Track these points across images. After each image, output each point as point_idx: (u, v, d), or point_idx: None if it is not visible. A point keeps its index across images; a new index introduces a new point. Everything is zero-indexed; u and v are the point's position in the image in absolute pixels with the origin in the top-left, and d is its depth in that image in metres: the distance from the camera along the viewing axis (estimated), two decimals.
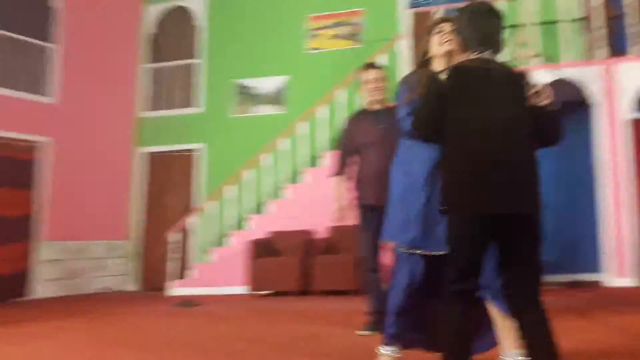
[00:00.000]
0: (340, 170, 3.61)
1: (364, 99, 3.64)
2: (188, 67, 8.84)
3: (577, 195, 6.96)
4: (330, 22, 8.24)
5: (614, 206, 5.86)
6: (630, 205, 5.82)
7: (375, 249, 3.44)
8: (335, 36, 8.18)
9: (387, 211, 2.41)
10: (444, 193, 1.91)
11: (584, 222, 6.77)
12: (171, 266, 7.27)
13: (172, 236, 7.34)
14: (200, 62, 8.74)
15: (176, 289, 7.11)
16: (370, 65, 3.72)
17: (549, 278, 6.63)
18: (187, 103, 8.74)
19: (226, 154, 8.21)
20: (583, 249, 6.79)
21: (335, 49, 8.13)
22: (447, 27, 2.38)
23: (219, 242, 7.58)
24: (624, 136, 5.94)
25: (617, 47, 7.08)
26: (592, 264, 6.44)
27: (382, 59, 6.88)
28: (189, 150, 8.58)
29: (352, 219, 3.55)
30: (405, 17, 6.70)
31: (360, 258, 3.55)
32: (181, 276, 7.41)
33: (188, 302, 5.64)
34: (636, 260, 5.70)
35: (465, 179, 1.85)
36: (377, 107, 3.55)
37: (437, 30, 2.40)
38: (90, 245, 7.95)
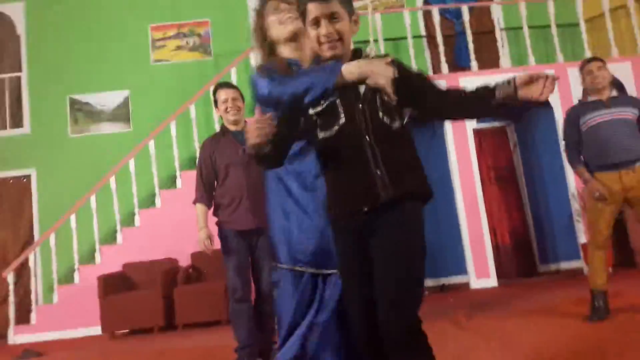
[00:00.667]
0: (204, 196, 3.40)
1: (222, 119, 3.51)
2: (9, 82, 7.76)
3: (438, 200, 7.38)
4: (173, 32, 7.83)
5: (467, 210, 6.31)
6: (481, 209, 6.32)
7: (244, 277, 3.28)
8: (181, 47, 7.80)
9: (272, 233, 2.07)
10: None
11: (448, 226, 7.07)
12: (11, 310, 6.27)
13: (9, 275, 6.32)
14: (22, 75, 7.72)
15: (17, 336, 6.16)
16: (224, 85, 3.57)
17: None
18: (11, 123, 7.66)
19: (64, 179, 7.34)
20: (449, 253, 7.12)
21: (181, 60, 7.75)
22: (284, 4, 1.95)
23: (68, 279, 6.73)
24: (469, 145, 6.46)
25: (460, 63, 7.83)
26: (459, 267, 6.79)
27: (232, 72, 6.73)
28: (18, 177, 7.52)
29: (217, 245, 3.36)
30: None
31: (228, 287, 3.34)
32: (22, 321, 6.44)
33: (28, 352, 4.90)
34: (495, 261, 6.24)
35: None
36: (236, 127, 3.46)
37: (272, 8, 1.97)
38: None
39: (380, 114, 1.64)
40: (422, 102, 1.71)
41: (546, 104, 6.66)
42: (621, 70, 6.68)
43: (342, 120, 1.64)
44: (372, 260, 1.59)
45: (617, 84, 3.95)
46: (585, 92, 3.78)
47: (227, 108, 3.43)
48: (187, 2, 7.87)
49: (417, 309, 1.55)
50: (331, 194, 1.70)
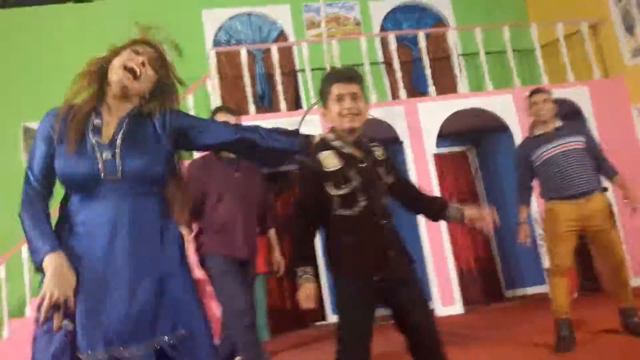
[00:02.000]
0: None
1: None
2: None
3: (400, 227, 7.28)
4: None
5: (430, 236, 6.21)
6: (444, 235, 6.24)
7: (250, 298, 3.20)
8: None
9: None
10: None
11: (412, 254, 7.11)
12: None
13: None
14: None
15: None
16: (223, 109, 3.50)
17: (383, 311, 6.89)
18: None
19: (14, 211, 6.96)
20: None
21: None
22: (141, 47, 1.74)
23: (19, 312, 6.31)
24: (429, 170, 6.41)
25: (416, 88, 7.86)
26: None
27: (189, 98, 6.59)
28: None
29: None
30: (210, 57, 6.51)
31: (229, 314, 3.16)
32: None
33: None
34: (460, 287, 6.11)
35: None
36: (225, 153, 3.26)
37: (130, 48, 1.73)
38: None
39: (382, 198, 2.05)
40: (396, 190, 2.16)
41: (505, 129, 6.71)
42: (579, 94, 6.82)
43: (363, 203, 1.98)
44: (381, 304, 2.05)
45: (566, 112, 4.03)
46: (532, 124, 3.79)
47: None
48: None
49: None
50: (344, 258, 2.02)
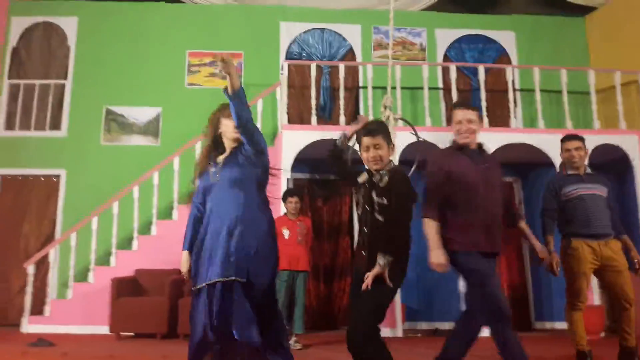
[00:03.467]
0: (435, 212, 3.14)
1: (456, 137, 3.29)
2: (54, 87, 8.38)
3: None
4: (209, 60, 8.40)
5: None
6: None
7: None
8: (213, 74, 8.35)
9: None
10: None
11: (444, 273, 7.40)
12: (27, 300, 6.71)
13: (30, 268, 6.79)
14: (67, 83, 8.35)
15: (31, 326, 6.58)
16: (460, 105, 3.49)
17: (414, 325, 7.31)
18: (50, 125, 8.25)
19: (90, 183, 7.84)
20: (444, 297, 7.41)
21: (213, 87, 8.28)
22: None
23: (82, 277, 7.17)
24: None
25: None
26: (454, 313, 6.87)
27: (259, 103, 7.22)
28: (49, 175, 8.07)
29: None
30: (283, 67, 7.11)
31: (495, 312, 3.02)
32: (37, 312, 6.88)
33: (42, 341, 5.30)
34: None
35: None
36: (473, 146, 3.24)
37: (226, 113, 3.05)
38: None
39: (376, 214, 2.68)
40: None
41: (552, 165, 6.98)
42: (628, 142, 7.01)
43: (360, 210, 2.78)
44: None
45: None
46: (564, 164, 4.15)
47: (464, 129, 3.21)
48: (224, 34, 8.47)
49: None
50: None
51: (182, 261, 3.12)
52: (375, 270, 2.51)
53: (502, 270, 7.84)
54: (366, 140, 2.69)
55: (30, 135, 8.17)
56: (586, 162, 4.14)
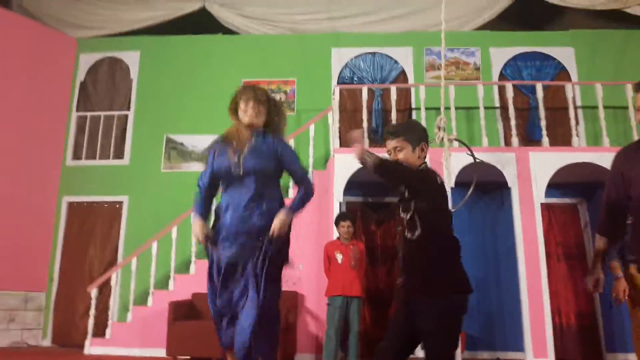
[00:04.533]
0: (611, 228, 2.68)
1: None
2: (117, 118, 8.80)
3: (500, 271, 7.34)
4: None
5: (529, 285, 6.17)
6: (544, 285, 6.15)
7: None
8: None
9: None
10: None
11: (509, 300, 7.06)
12: (90, 323, 6.96)
13: (93, 291, 7.05)
14: (129, 114, 8.75)
15: (93, 348, 6.80)
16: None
17: (474, 354, 7.05)
18: (114, 154, 8.65)
19: (151, 209, 8.12)
20: (508, 327, 7.11)
21: None
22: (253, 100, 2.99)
23: (142, 301, 7.37)
24: (536, 219, 6.39)
25: (530, 136, 7.96)
26: (517, 343, 6.73)
27: (311, 128, 7.28)
28: (113, 202, 8.42)
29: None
30: (335, 92, 7.15)
31: None
32: (99, 334, 7.12)
33: None
34: (557, 342, 5.96)
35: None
36: None
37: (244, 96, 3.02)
38: (2, 295, 7.51)
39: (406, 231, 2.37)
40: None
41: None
42: None
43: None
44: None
45: None
46: None
47: None
48: (277, 62, 8.66)
49: None
50: None
51: (196, 227, 2.95)
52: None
53: (569, 298, 7.43)
54: (388, 143, 2.48)
55: (96, 164, 8.59)
56: None
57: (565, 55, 8.40)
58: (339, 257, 5.33)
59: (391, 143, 2.45)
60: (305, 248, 6.75)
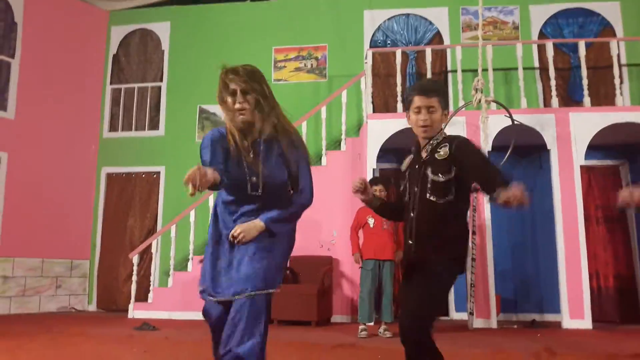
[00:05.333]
0: None
1: None
2: (151, 90, 8.90)
3: (538, 235, 7.27)
4: (294, 55, 8.50)
5: (567, 248, 6.10)
6: (582, 248, 6.07)
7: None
8: (299, 69, 8.45)
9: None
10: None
11: (546, 263, 7.04)
12: (133, 288, 7.22)
13: (134, 258, 7.29)
14: (162, 85, 8.83)
15: (136, 312, 7.07)
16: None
17: (510, 316, 7.04)
18: (149, 125, 8.79)
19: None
20: (545, 289, 7.09)
21: (298, 81, 8.39)
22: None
23: (182, 267, 7.60)
24: (575, 182, 6.25)
25: (571, 96, 7.70)
26: (553, 305, 6.72)
27: (344, 94, 7.20)
28: (150, 172, 8.60)
29: None
30: (367, 56, 7.01)
31: None
32: (142, 299, 7.38)
33: (146, 325, 5.65)
34: (595, 304, 5.95)
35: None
36: None
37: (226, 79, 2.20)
38: (49, 263, 7.85)
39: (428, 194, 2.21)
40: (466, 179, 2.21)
41: None
42: None
43: (406, 198, 2.29)
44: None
45: None
46: None
47: None
48: (308, 27, 8.53)
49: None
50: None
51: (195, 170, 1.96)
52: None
53: (608, 261, 7.29)
54: (418, 100, 2.19)
55: (132, 136, 8.75)
56: None
57: (610, 10, 8.00)
58: (371, 221, 5.34)
59: (427, 101, 2.18)
60: (338, 214, 6.77)
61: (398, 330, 2.12)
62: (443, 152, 2.18)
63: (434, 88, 2.24)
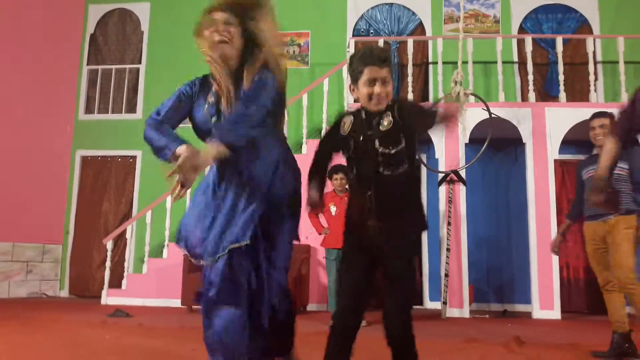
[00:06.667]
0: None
1: None
2: (129, 72, 8.74)
3: (511, 227, 7.42)
4: None
5: (539, 241, 6.23)
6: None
7: None
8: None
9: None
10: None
11: (518, 254, 7.18)
12: (106, 274, 7.13)
13: (109, 244, 7.19)
14: (141, 67, 8.67)
15: (110, 298, 7.00)
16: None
17: (482, 306, 7.18)
18: (126, 108, 8.64)
19: (165, 163, 8.14)
20: (516, 280, 7.23)
21: None
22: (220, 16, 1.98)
23: (157, 253, 7.52)
24: (548, 175, 6.39)
25: (548, 91, 7.81)
26: (524, 296, 6.87)
27: (326, 82, 7.18)
28: (126, 156, 8.47)
29: None
30: (350, 45, 6.99)
31: None
32: (116, 285, 7.30)
33: (119, 312, 5.60)
34: (564, 295, 6.13)
35: None
36: None
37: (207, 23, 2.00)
38: (20, 247, 7.67)
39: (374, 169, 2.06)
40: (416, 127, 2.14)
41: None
42: None
43: (355, 171, 2.12)
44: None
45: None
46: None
47: None
48: (290, 13, 8.44)
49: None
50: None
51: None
52: None
53: (578, 254, 7.45)
54: (371, 71, 2.00)
55: (108, 119, 8.59)
56: None
57: (588, 7, 8.11)
58: (333, 209, 5.29)
59: (380, 72, 2.01)
60: None
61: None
62: (387, 122, 2.04)
63: (386, 57, 2.05)
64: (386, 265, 2.06)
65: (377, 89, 2.01)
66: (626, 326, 3.59)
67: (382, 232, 2.03)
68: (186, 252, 2.05)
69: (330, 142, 2.20)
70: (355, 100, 2.13)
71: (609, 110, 3.87)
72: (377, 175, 2.03)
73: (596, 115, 3.81)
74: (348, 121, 2.11)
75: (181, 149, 1.88)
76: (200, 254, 1.98)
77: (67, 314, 5.69)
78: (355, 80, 2.07)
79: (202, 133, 2.09)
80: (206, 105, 2.08)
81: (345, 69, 7.23)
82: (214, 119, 2.04)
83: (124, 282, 7.16)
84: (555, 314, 6.08)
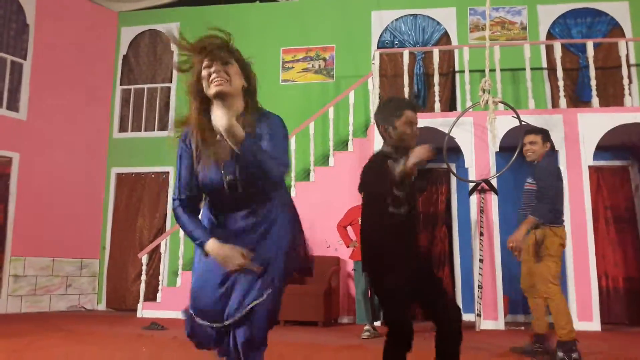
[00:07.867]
0: None
1: None
2: (160, 91, 8.97)
3: None
4: (302, 55, 8.53)
5: (575, 249, 6.07)
6: (590, 249, 6.06)
7: None
8: (306, 70, 8.47)
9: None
10: None
11: None
12: (142, 288, 7.29)
13: (144, 258, 7.36)
14: (172, 85, 8.89)
15: (145, 311, 7.14)
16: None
17: (518, 318, 7.02)
18: (158, 126, 8.86)
19: None
20: None
21: (306, 82, 8.42)
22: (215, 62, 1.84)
23: (190, 266, 7.64)
24: (583, 182, 6.24)
25: (580, 97, 7.66)
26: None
27: (351, 95, 7.22)
28: (159, 173, 8.67)
29: None
30: (375, 57, 7.02)
31: None
32: (151, 298, 7.45)
33: (154, 325, 5.71)
34: (604, 305, 5.95)
35: None
36: None
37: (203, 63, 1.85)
38: (60, 262, 7.94)
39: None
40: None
41: None
42: None
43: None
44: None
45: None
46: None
47: None
48: (315, 28, 8.56)
49: None
50: None
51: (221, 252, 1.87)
52: None
53: (617, 262, 7.25)
54: (411, 115, 2.35)
55: (141, 136, 8.82)
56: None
57: (619, 9, 7.95)
58: None
59: (415, 117, 2.39)
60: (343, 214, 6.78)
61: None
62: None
63: (417, 106, 2.59)
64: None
65: (414, 129, 2.36)
66: None
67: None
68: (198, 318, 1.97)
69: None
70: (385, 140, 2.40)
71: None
72: (415, 209, 2.48)
73: (528, 131, 4.12)
74: (400, 167, 2.25)
75: (210, 249, 1.87)
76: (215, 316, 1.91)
77: (104, 326, 5.83)
78: (395, 119, 2.35)
79: (211, 188, 1.95)
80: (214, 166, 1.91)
81: (370, 80, 7.26)
82: (229, 177, 1.90)
83: (158, 295, 7.29)
84: (594, 325, 5.90)
